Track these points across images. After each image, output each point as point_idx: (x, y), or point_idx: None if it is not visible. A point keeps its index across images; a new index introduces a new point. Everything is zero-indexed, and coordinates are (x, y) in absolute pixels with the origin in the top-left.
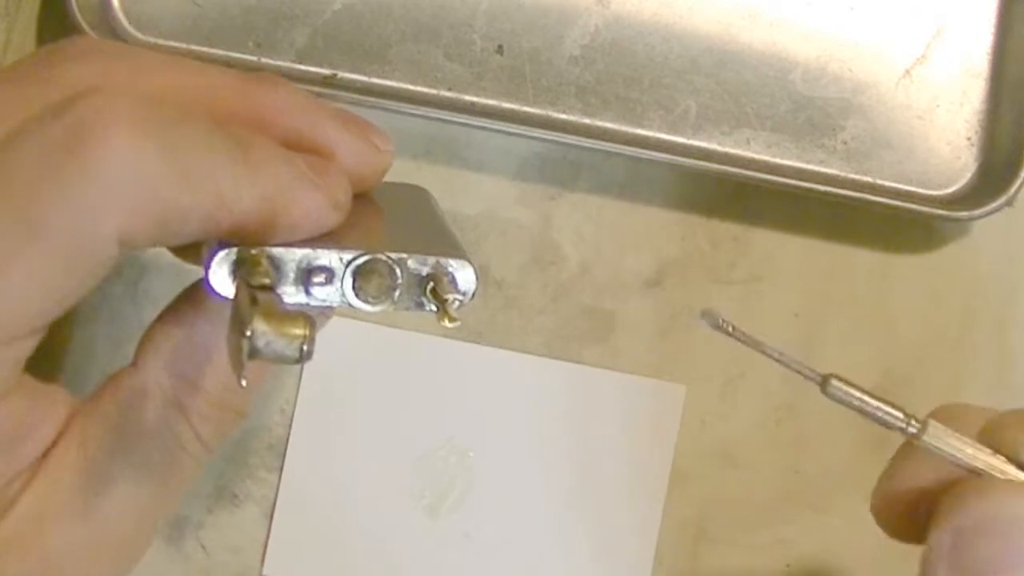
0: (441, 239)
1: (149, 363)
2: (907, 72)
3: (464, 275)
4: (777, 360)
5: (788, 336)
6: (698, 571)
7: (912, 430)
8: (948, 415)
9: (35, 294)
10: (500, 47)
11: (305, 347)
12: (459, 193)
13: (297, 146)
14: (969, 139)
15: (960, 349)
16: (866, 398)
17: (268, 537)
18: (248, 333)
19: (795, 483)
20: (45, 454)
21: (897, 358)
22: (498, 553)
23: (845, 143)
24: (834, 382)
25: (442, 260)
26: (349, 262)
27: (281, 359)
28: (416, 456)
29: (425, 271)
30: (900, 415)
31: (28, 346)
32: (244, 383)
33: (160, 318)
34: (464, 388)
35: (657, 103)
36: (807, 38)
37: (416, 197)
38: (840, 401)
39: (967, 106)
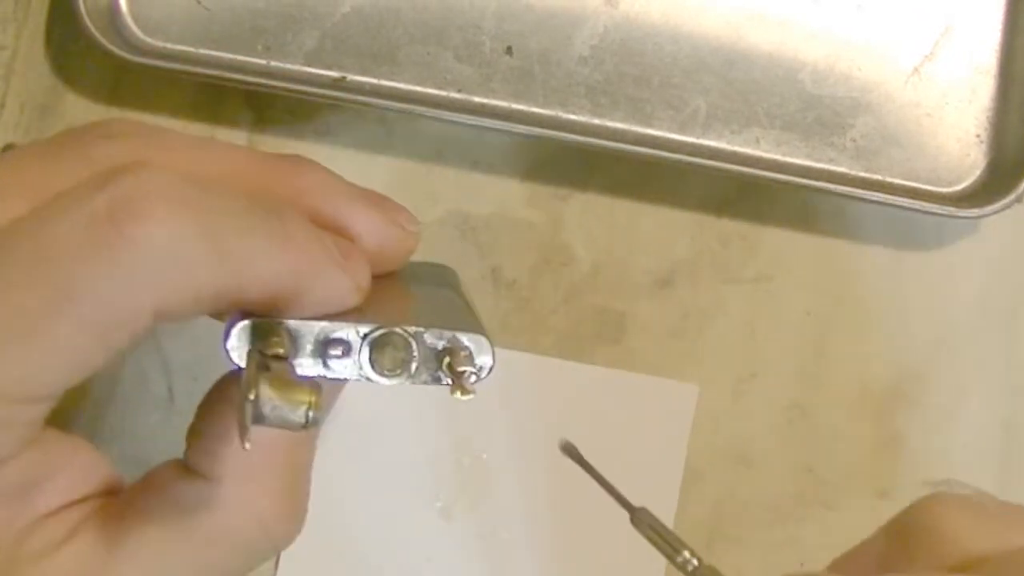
0: (459, 315)
1: (191, 449)
2: (916, 70)
3: (480, 350)
4: (608, 491)
5: (800, 335)
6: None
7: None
8: None
9: (61, 360)
10: (509, 48)
11: (311, 413)
12: (469, 194)
13: (323, 226)
14: (978, 136)
15: (970, 346)
16: (668, 535)
17: None
18: (252, 397)
19: (808, 481)
20: (85, 519)
21: (908, 355)
22: (512, 555)
23: (854, 141)
24: (640, 515)
25: (458, 335)
26: (366, 335)
27: (286, 425)
28: (430, 458)
29: (441, 345)
30: (692, 558)
31: (47, 407)
32: (248, 446)
33: (204, 401)
34: (477, 390)
35: (666, 103)
36: (815, 37)
37: (442, 275)
38: (643, 533)
39: (976, 103)
